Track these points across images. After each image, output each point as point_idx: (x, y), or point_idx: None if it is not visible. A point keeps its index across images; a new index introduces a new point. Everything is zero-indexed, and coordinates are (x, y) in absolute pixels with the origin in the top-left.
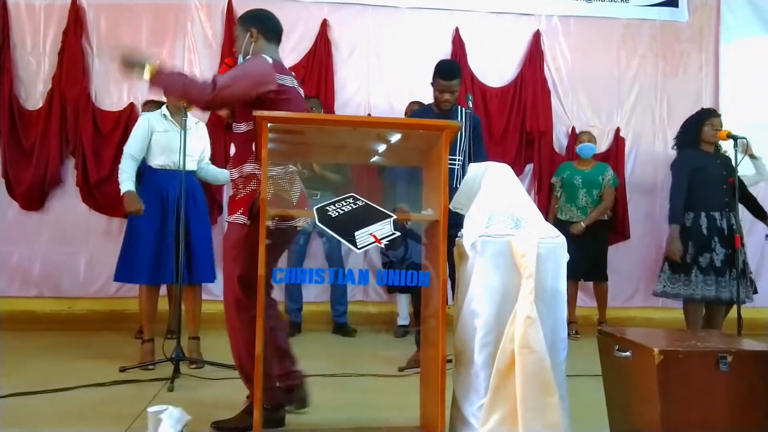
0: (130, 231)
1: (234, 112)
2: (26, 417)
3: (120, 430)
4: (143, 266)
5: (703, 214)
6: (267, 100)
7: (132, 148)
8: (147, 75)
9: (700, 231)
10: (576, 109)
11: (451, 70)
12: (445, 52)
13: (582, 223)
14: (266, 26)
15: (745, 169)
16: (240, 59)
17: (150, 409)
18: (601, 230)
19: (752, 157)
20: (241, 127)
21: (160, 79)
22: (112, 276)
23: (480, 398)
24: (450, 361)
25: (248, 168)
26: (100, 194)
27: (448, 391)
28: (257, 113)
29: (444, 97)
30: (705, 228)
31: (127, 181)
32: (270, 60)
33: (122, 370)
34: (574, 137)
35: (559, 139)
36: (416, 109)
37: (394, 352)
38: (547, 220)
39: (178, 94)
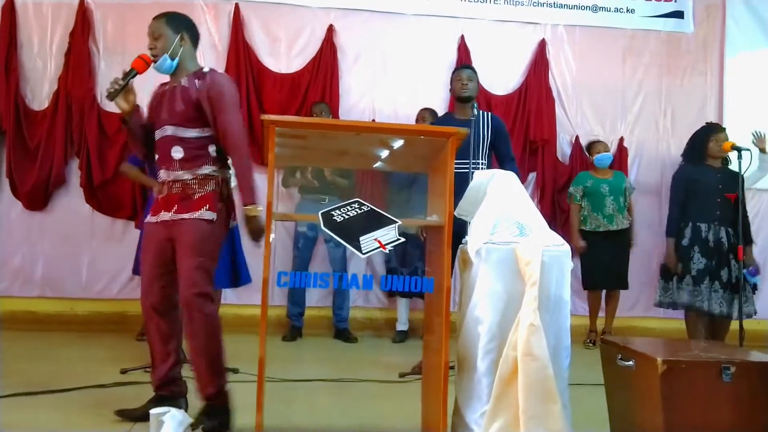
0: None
1: (168, 117)
2: (27, 418)
3: (122, 431)
4: None
5: (690, 224)
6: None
7: None
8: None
9: (681, 241)
10: (580, 118)
11: (465, 65)
12: (450, 59)
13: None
14: (194, 33)
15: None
16: (165, 59)
17: (152, 411)
18: (624, 237)
19: (763, 151)
20: (192, 133)
21: (255, 199)
22: (114, 277)
23: (482, 405)
24: (452, 367)
25: (205, 170)
26: (103, 195)
27: (450, 397)
28: (265, 117)
29: (460, 83)
30: (687, 239)
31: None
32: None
33: (123, 371)
34: (579, 146)
35: (563, 148)
36: (427, 117)
37: (395, 358)
38: (554, 229)
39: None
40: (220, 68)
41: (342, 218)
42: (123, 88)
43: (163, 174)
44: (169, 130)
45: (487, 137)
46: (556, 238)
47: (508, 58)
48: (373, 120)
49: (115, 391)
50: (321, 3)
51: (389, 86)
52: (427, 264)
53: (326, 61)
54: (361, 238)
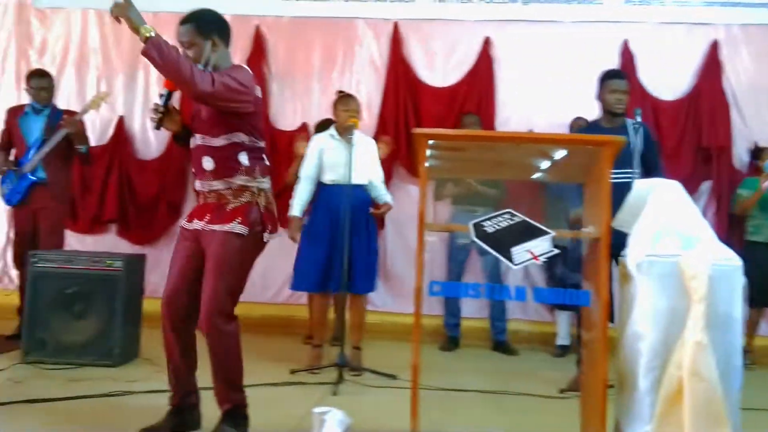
0: (304, 242)
1: (197, 125)
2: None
3: (286, 429)
4: (313, 275)
5: None
6: (244, 112)
7: (305, 170)
8: (147, 34)
9: None
10: (759, 123)
11: (620, 72)
12: (611, 65)
13: None
14: (224, 32)
15: None
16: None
17: (315, 410)
18: None
19: None
20: (219, 141)
21: (160, 45)
22: (283, 286)
23: (644, 425)
24: (611, 385)
25: (239, 180)
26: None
27: (609, 416)
28: (416, 131)
29: (616, 96)
30: None
31: (295, 206)
32: (250, 71)
33: (292, 372)
34: (755, 153)
35: (740, 156)
36: (582, 125)
37: (553, 373)
38: (732, 243)
39: (174, 69)
40: (380, 84)
41: (493, 229)
42: (165, 113)
43: (198, 185)
44: (198, 139)
45: (639, 146)
46: (726, 252)
47: (676, 62)
48: (531, 131)
49: (284, 389)
50: (477, 16)
51: (547, 96)
52: (583, 277)
53: (482, 73)
54: (512, 249)
